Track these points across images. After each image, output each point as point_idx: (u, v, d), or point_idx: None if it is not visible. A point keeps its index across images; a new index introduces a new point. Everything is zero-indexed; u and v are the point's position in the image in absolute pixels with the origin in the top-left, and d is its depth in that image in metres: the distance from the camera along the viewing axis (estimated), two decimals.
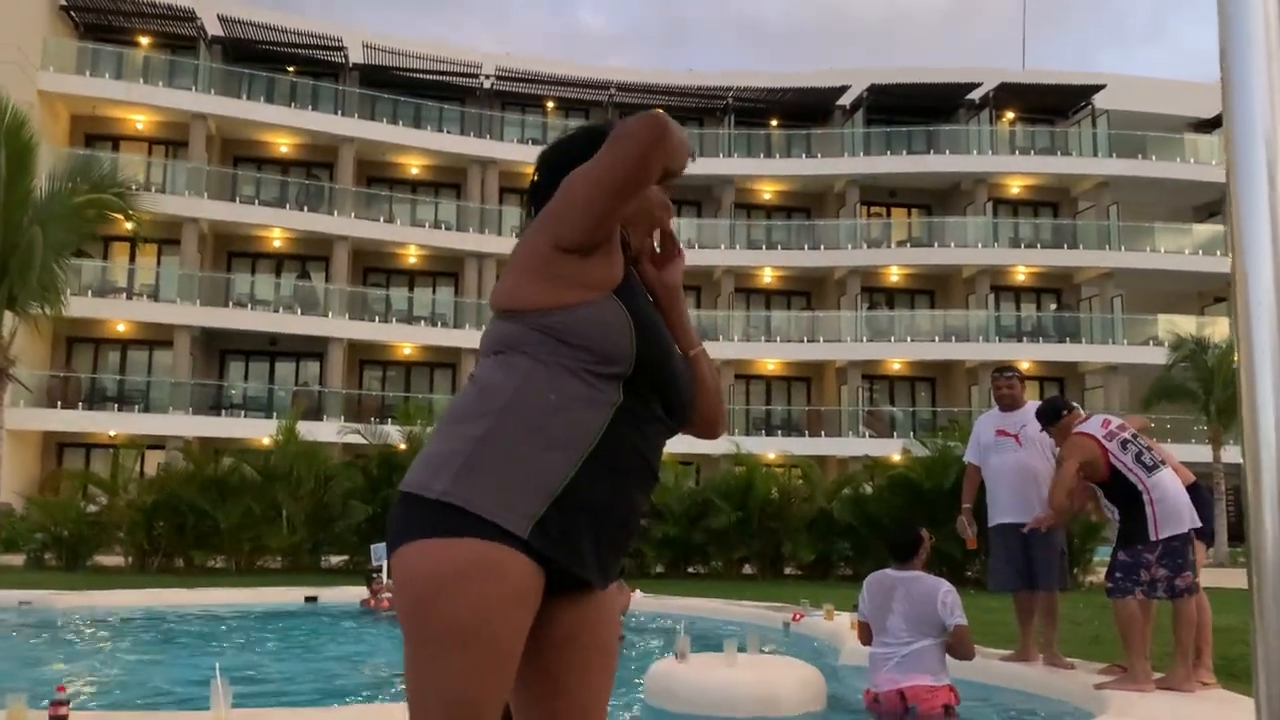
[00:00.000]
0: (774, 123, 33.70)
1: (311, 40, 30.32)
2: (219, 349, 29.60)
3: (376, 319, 29.56)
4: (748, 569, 16.97)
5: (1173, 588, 5.32)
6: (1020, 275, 32.53)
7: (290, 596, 11.42)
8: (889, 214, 34.13)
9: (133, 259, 29.05)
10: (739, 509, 16.20)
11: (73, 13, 29.11)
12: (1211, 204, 33.48)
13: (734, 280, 31.97)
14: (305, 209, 29.40)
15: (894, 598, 5.23)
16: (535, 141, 31.87)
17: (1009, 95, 32.41)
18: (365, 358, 30.54)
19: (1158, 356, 26.56)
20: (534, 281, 1.73)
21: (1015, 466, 6.39)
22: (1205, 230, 32.29)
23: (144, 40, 29.91)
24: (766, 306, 33.14)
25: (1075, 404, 6.23)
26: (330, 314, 28.68)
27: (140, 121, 29.42)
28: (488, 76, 31.92)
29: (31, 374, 23.50)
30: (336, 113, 30.13)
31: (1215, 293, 32.76)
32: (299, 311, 28.71)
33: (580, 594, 1.73)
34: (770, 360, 31.90)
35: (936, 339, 31.19)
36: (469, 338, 28.80)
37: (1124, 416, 6.12)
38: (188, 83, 29.05)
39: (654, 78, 33.54)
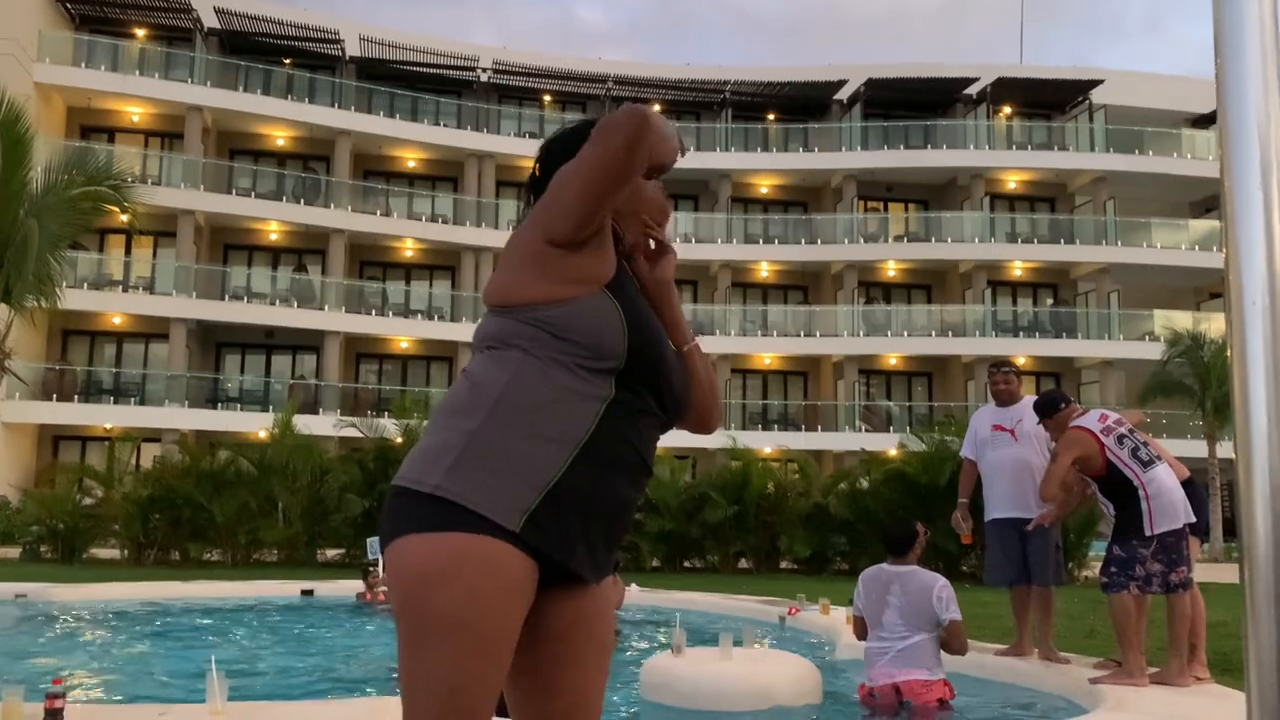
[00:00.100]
0: (771, 117, 33.68)
1: (308, 33, 30.25)
2: (215, 342, 29.58)
3: (373, 312, 29.54)
4: (744, 563, 16.99)
5: (1168, 583, 5.33)
6: (1017, 270, 32.56)
7: (286, 590, 11.42)
8: (886, 209, 34.13)
9: (128, 251, 29.00)
10: (735, 503, 16.22)
11: (68, 4, 29.02)
12: (1208, 199, 33.49)
13: (731, 274, 31.97)
14: (301, 202, 29.35)
15: (890, 592, 5.24)
16: (532, 135, 31.84)
17: (1006, 90, 32.39)
18: (362, 351, 30.52)
19: (1154, 352, 26.60)
20: (526, 276, 1.73)
21: (1011, 461, 6.40)
22: (1202, 225, 32.32)
23: (140, 32, 29.83)
24: (763, 301, 33.14)
25: (1072, 398, 6.24)
26: (327, 307, 28.65)
27: (136, 114, 29.35)
28: (484, 70, 31.86)
29: (27, 366, 23.46)
30: (333, 105, 30.07)
31: (1211, 288, 32.81)
32: (295, 304, 28.68)
33: (574, 588, 1.73)
34: (767, 354, 31.91)
35: (933, 334, 31.21)
36: (466, 331, 28.77)
37: (1120, 411, 6.13)
38: (183, 75, 28.99)
39: (651, 71, 33.48)
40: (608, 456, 1.68)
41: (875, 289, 33.17)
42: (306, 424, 18.17)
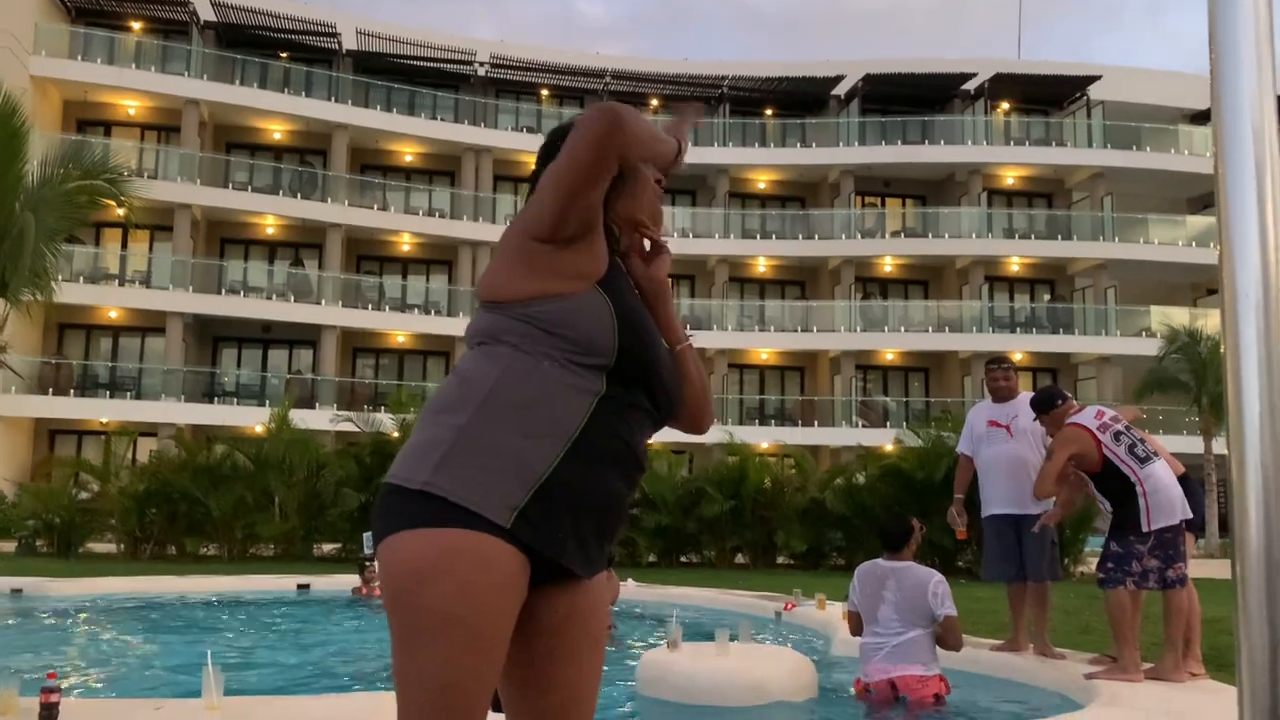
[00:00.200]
0: (769, 112, 33.66)
1: (305, 26, 30.19)
2: (212, 336, 29.55)
3: (370, 307, 29.51)
4: (740, 558, 17.01)
5: (1164, 579, 5.34)
6: (1014, 266, 32.57)
7: (282, 584, 11.43)
8: (883, 204, 34.13)
9: (125, 245, 28.97)
10: (732, 498, 16.23)
11: None
12: (1205, 196, 33.50)
13: (728, 269, 31.97)
14: (298, 196, 29.31)
15: (885, 588, 5.24)
16: (529, 129, 31.82)
17: (1004, 85, 32.38)
18: (359, 345, 30.50)
19: (1151, 348, 26.62)
20: (516, 272, 1.74)
21: (1007, 458, 6.40)
22: (1199, 222, 32.33)
23: (136, 25, 29.75)
24: (760, 296, 33.14)
25: (1069, 394, 6.24)
26: (324, 301, 28.63)
27: (133, 107, 29.30)
28: (482, 64, 31.81)
29: (23, 360, 23.44)
30: (330, 99, 30.01)
31: (1208, 284, 32.82)
32: (292, 299, 28.65)
33: (567, 584, 1.73)
34: (764, 350, 31.93)
35: (930, 329, 31.23)
36: (462, 326, 28.58)
37: (1116, 407, 6.13)
38: (180, 68, 28.94)
39: (649, 66, 33.44)
40: (599, 451, 1.68)
41: (872, 284, 33.19)
42: (303, 418, 18.16)
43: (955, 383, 31.73)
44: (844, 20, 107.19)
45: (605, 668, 1.85)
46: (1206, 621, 5.94)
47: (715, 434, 18.50)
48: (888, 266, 32.89)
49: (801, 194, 34.08)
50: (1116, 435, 5.54)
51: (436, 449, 1.65)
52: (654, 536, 16.40)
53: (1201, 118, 33.42)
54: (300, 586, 11.25)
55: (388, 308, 29.91)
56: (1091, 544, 14.79)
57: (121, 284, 27.78)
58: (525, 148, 30.47)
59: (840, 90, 32.98)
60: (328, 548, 16.57)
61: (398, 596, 1.60)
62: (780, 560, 16.90)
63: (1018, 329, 31.48)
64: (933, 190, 33.94)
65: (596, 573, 1.76)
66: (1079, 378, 31.77)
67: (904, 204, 34.17)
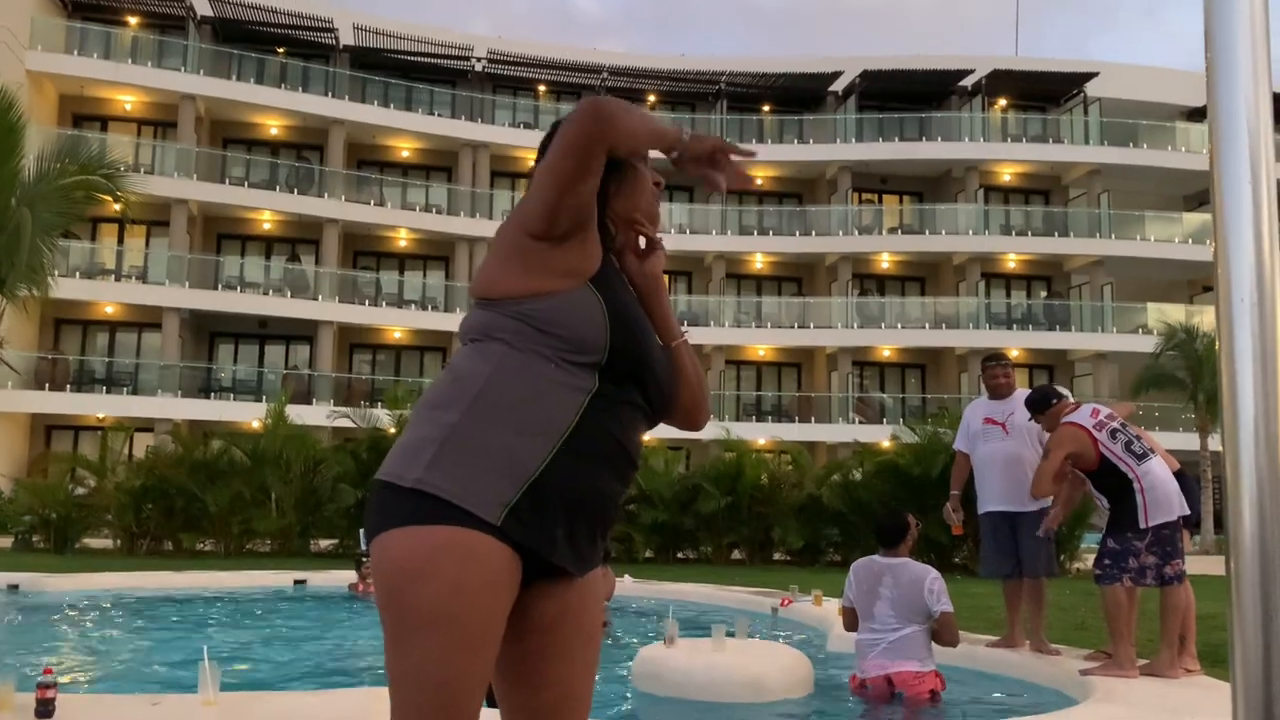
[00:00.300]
0: (766, 108, 33.64)
1: (302, 21, 30.13)
2: (208, 331, 29.52)
3: (367, 302, 29.49)
4: (737, 554, 17.02)
5: (1162, 575, 5.35)
6: (1011, 262, 32.59)
7: (279, 580, 11.42)
8: (880, 200, 34.14)
9: (121, 240, 28.93)
10: (728, 494, 16.23)
11: None
12: (1202, 193, 33.51)
13: (725, 266, 31.96)
14: (295, 191, 29.27)
15: (881, 584, 5.25)
16: (526, 125, 31.79)
17: (1001, 82, 32.38)
18: (355, 341, 30.49)
19: (1147, 345, 26.66)
20: (509, 269, 1.74)
21: (1003, 455, 6.41)
22: (1195, 219, 32.37)
23: (133, 20, 29.69)
24: (757, 292, 33.15)
25: (1065, 392, 6.24)
26: (320, 297, 28.60)
27: (129, 102, 29.24)
28: (479, 59, 31.77)
29: (19, 355, 23.41)
30: (327, 94, 29.97)
31: (1205, 281, 32.86)
32: (289, 294, 28.62)
33: (560, 581, 1.73)
34: (761, 346, 31.94)
35: (927, 326, 31.25)
36: (459, 322, 28.68)
37: (1111, 404, 6.14)
38: (177, 63, 28.87)
39: (646, 62, 33.42)
40: (591, 449, 1.68)
41: (869, 281, 33.20)
42: (300, 414, 18.15)
43: (952, 379, 31.76)
44: (842, 17, 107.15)
45: (601, 664, 1.85)
46: (1201, 617, 5.95)
47: (712, 430, 18.51)
48: (885, 263, 32.90)
49: (798, 190, 34.08)
50: (1113, 433, 5.54)
51: (428, 446, 1.65)
52: (651, 532, 16.40)
53: (1198, 114, 33.43)
54: (297, 582, 11.24)
55: (384, 303, 29.89)
56: (1088, 540, 14.82)
57: (118, 279, 27.73)
58: (522, 143, 30.45)
59: (838, 86, 32.97)
60: (324, 543, 16.55)
61: (390, 594, 1.60)
62: (777, 556, 16.91)
63: (1014, 326, 31.50)
64: (930, 187, 33.94)
65: (588, 570, 1.76)
66: (1075, 374, 31.81)
67: (901, 200, 34.17)
